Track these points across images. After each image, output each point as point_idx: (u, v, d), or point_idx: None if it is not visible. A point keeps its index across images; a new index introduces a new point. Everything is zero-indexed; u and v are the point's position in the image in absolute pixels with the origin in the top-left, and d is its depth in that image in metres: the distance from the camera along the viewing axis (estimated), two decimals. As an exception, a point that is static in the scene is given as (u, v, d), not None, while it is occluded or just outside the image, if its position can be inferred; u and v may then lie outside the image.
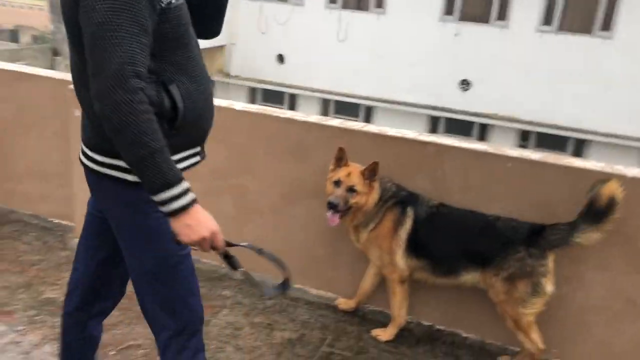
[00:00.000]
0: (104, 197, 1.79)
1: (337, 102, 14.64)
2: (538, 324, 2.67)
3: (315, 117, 3.11)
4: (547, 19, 12.39)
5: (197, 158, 1.87)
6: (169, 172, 1.49)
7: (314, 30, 14.19)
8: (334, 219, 2.69)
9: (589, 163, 2.68)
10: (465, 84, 13.37)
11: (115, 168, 1.66)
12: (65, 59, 14.10)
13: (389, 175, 2.85)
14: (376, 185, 2.72)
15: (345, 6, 13.89)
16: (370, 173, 2.66)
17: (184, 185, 1.53)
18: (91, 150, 1.72)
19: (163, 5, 1.54)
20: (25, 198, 3.87)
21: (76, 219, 3.57)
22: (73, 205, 3.55)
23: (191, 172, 3.44)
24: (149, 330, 2.76)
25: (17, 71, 3.79)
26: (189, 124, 1.69)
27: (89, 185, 1.84)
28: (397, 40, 13.54)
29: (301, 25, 14.27)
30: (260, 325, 2.93)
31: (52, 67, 14.33)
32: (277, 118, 3.12)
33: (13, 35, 41.29)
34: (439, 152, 2.82)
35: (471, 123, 13.57)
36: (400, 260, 2.73)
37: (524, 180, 2.68)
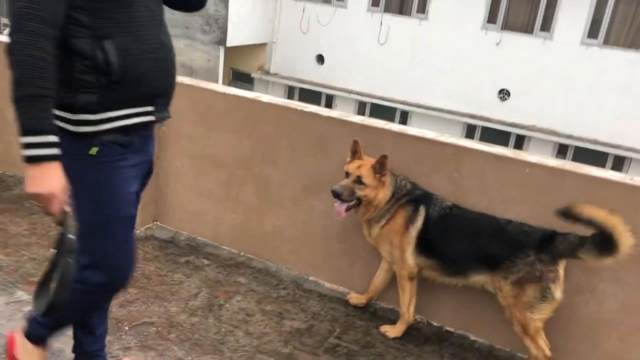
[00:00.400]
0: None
1: (373, 105, 14.64)
2: (548, 332, 2.65)
3: (337, 113, 3.16)
4: (593, 32, 12.13)
5: (150, 117, 1.87)
6: (36, 120, 1.54)
7: (355, 32, 14.24)
8: (340, 210, 2.72)
9: (608, 173, 2.65)
10: (504, 94, 13.20)
11: (58, 118, 1.69)
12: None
13: (406, 174, 2.87)
14: (387, 180, 2.75)
15: (388, 10, 13.90)
16: (380, 166, 2.69)
17: (49, 138, 1.56)
18: None
19: None
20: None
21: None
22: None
23: (217, 160, 3.56)
24: (163, 309, 2.88)
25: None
26: (130, 81, 1.74)
27: None
28: (437, 46, 13.47)
29: (343, 27, 14.33)
30: (271, 313, 2.99)
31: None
32: (302, 112, 3.17)
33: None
34: (457, 153, 2.83)
35: (508, 133, 13.38)
36: (410, 257, 2.75)
37: (542, 186, 2.67)
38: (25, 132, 1.54)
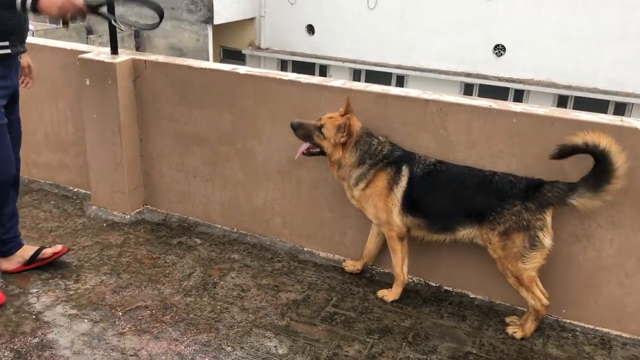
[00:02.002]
0: None
1: (368, 72, 14.47)
2: (548, 284, 2.60)
3: (317, 79, 3.07)
4: (585, -23, 11.85)
5: (7, 50, 2.47)
6: None
7: (343, -1, 14.00)
8: (299, 150, 2.78)
9: (597, 116, 2.56)
10: (499, 49, 12.99)
11: None
12: (98, 37, 14.33)
13: (391, 135, 2.80)
14: (351, 144, 2.67)
15: (374, -27, 13.62)
16: (342, 127, 2.63)
17: None
18: None
19: None
20: (45, 168, 3.97)
21: (92, 187, 3.65)
22: (89, 174, 3.63)
23: (200, 137, 3.49)
24: (157, 292, 2.85)
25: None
26: None
27: None
28: (428, 6, 13.24)
29: (330, -5, 14.10)
30: (266, 287, 2.96)
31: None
32: (280, 80, 3.09)
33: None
34: (441, 110, 2.74)
35: (506, 89, 13.23)
36: (397, 217, 2.70)
37: (530, 135, 2.59)
38: None
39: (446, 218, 2.62)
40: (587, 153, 2.33)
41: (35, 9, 2.25)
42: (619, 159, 2.28)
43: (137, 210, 3.65)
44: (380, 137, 2.75)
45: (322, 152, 2.75)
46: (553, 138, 2.50)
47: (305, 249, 3.30)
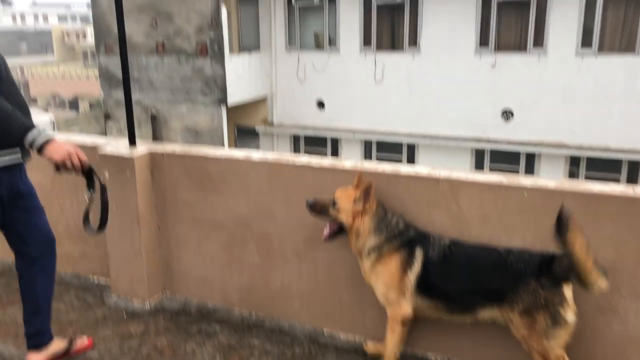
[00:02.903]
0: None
1: (379, 143, 14.69)
2: (574, 358, 2.53)
3: (329, 161, 3.14)
4: (586, 41, 12.15)
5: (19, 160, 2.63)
6: (24, 123, 2.33)
7: (351, 74, 14.43)
8: (325, 233, 2.85)
9: (609, 187, 2.57)
10: (507, 114, 13.18)
11: None
12: (116, 123, 14.82)
13: (403, 212, 2.83)
14: (370, 211, 2.72)
15: (379, 48, 14.11)
16: (364, 193, 2.70)
17: (40, 129, 2.35)
18: None
19: None
20: (66, 259, 4.03)
21: (111, 276, 3.69)
22: (108, 263, 3.68)
23: (217, 223, 3.54)
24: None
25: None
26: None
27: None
28: (434, 76, 13.58)
29: (338, 71, 14.55)
30: (288, 374, 2.91)
31: (104, 131, 15.09)
32: (294, 165, 3.17)
33: (73, 104, 43.87)
34: (453, 186, 2.78)
35: (517, 153, 13.29)
36: (407, 301, 2.68)
37: (542, 209, 2.60)
38: (24, 132, 2.32)
39: (465, 300, 2.60)
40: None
41: (41, 150, 2.37)
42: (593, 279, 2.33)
43: (157, 297, 3.66)
44: (395, 213, 2.78)
45: (343, 230, 2.79)
46: (566, 211, 2.51)
47: (325, 331, 3.26)
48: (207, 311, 3.54)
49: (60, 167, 2.42)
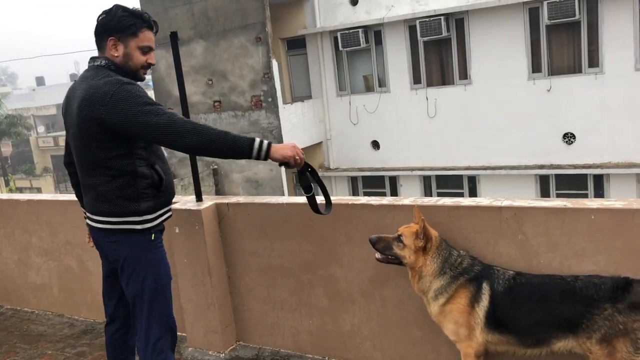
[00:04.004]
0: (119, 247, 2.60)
1: (438, 177, 14.56)
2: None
3: (388, 199, 3.18)
4: (644, 56, 11.79)
5: (170, 213, 2.77)
6: (243, 138, 2.46)
7: (403, 112, 14.53)
8: (378, 255, 2.82)
9: (680, 202, 2.48)
10: (569, 137, 12.83)
11: (127, 223, 2.54)
12: (180, 180, 15.39)
13: (468, 246, 2.81)
14: (432, 250, 2.69)
15: (430, 84, 14.17)
16: (421, 231, 2.68)
17: (257, 138, 2.49)
18: (106, 216, 2.55)
19: None
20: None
21: (186, 328, 3.81)
22: (183, 316, 3.81)
23: (283, 269, 3.61)
24: None
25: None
26: (165, 189, 2.63)
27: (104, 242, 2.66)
28: (487, 106, 13.47)
29: (390, 110, 14.68)
30: (365, 416, 2.89)
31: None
32: (353, 205, 3.22)
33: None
34: (516, 215, 2.75)
35: (584, 176, 12.85)
36: (479, 335, 2.62)
37: (612, 230, 2.53)
38: (249, 147, 2.46)
39: (537, 332, 2.52)
40: None
41: (267, 156, 2.52)
42: None
43: (231, 347, 3.74)
44: (459, 250, 2.76)
45: (399, 262, 2.78)
46: (637, 230, 2.44)
47: (399, 371, 3.23)
48: (281, 358, 3.58)
49: (287, 164, 2.60)
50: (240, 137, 2.47)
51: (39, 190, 36.43)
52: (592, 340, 2.36)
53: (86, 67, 2.60)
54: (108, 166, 2.48)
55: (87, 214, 2.69)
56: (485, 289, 2.60)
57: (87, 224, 2.73)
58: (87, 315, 4.48)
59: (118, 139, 2.44)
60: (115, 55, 2.52)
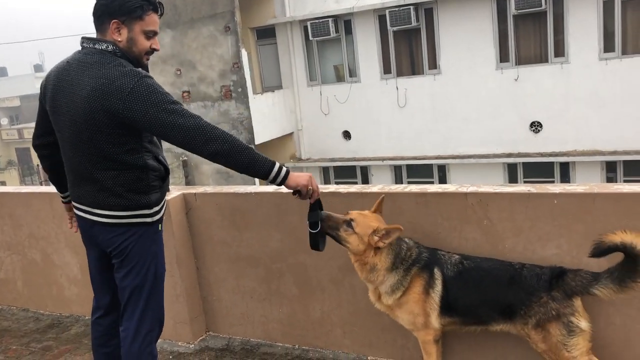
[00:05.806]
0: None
1: (408, 166, 14.68)
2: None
3: (357, 187, 3.19)
4: (608, 45, 12.05)
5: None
6: (265, 159, 2.39)
7: (373, 102, 14.57)
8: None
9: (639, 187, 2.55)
10: (535, 126, 13.05)
11: (138, 216, 2.48)
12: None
13: (432, 230, 2.84)
14: (385, 250, 2.62)
15: (400, 74, 14.22)
16: (385, 233, 2.56)
17: (277, 163, 2.43)
18: (113, 210, 2.44)
19: None
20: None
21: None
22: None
23: (253, 258, 3.59)
24: None
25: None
26: (168, 181, 2.64)
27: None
28: (457, 96, 13.60)
29: (361, 100, 14.71)
30: (335, 403, 2.90)
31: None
32: (323, 193, 3.20)
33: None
34: (481, 200, 2.79)
35: (551, 164, 13.10)
36: (435, 320, 2.65)
37: (574, 215, 2.59)
38: (269, 169, 2.38)
39: (481, 314, 2.59)
40: (623, 252, 2.28)
41: (283, 182, 2.45)
42: None
43: (201, 338, 3.71)
44: (406, 240, 2.73)
45: (339, 242, 2.66)
46: (597, 214, 2.50)
47: (369, 359, 3.25)
48: (251, 347, 3.57)
49: (300, 193, 2.53)
50: (263, 156, 2.39)
51: (2, 184, 35.53)
52: (528, 326, 2.45)
53: (79, 49, 2.38)
54: (118, 160, 2.36)
55: (80, 206, 2.52)
56: (438, 274, 2.62)
57: (76, 214, 2.58)
58: (52, 309, 4.39)
59: (130, 134, 2.33)
60: (119, 40, 2.33)
